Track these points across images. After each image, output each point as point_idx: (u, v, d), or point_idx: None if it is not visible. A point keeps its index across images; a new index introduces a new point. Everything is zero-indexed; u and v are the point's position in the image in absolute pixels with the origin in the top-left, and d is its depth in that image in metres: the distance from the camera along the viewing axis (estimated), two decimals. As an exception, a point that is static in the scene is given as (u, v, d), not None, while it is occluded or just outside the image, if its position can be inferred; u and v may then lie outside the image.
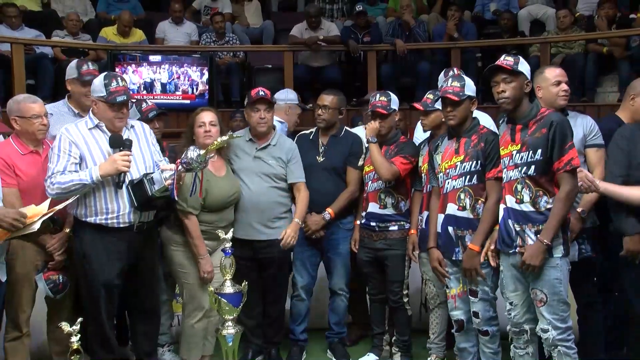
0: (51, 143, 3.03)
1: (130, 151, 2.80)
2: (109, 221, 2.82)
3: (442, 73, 3.43)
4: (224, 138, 2.80)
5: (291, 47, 6.35)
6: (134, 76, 5.85)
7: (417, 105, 3.23)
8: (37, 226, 2.34)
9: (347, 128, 3.55)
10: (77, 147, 2.78)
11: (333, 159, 3.40)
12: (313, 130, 3.54)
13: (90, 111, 2.90)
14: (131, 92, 3.06)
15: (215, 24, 6.53)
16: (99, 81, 2.84)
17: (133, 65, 5.89)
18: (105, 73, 2.94)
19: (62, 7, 6.89)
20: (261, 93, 3.25)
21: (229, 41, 6.56)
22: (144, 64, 5.93)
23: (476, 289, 2.82)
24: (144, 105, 3.38)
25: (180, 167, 2.78)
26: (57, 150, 2.77)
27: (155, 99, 5.77)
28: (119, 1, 7.01)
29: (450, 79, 2.88)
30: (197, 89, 5.99)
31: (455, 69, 3.46)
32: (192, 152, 2.74)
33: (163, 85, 5.96)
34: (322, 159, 3.40)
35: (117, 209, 2.82)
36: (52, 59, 5.92)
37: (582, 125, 2.97)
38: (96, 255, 2.82)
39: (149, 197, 2.79)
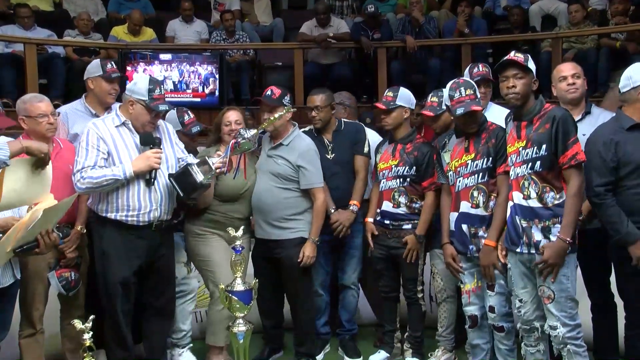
0: (62, 142, 3.06)
1: (161, 149, 2.87)
2: (129, 218, 2.85)
3: (467, 69, 3.35)
4: (277, 115, 2.90)
5: (301, 45, 6.35)
6: (144, 75, 5.88)
7: (426, 112, 3.21)
8: (39, 214, 2.26)
9: (345, 120, 3.52)
10: (104, 142, 2.83)
11: (343, 154, 3.39)
12: (311, 127, 3.49)
13: (118, 109, 2.94)
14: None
15: (225, 22, 6.55)
16: (143, 85, 2.87)
17: (144, 64, 5.92)
18: (150, 77, 3.00)
19: (73, 7, 6.94)
20: (267, 93, 3.22)
21: (239, 39, 6.57)
22: (155, 63, 5.96)
23: (493, 283, 2.82)
24: (185, 117, 3.32)
25: (229, 149, 2.86)
26: (85, 145, 2.82)
27: (166, 97, 5.79)
28: (130, 0, 7.05)
29: (462, 88, 2.81)
30: (207, 87, 6.01)
31: (480, 65, 3.34)
32: (247, 132, 2.85)
33: (174, 84, 5.98)
34: (331, 156, 3.39)
35: (138, 207, 2.85)
36: (64, 58, 5.97)
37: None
38: (114, 252, 2.86)
39: (197, 184, 2.82)
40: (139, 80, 2.93)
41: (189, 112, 3.38)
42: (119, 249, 2.86)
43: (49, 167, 2.42)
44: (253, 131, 2.86)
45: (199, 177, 2.82)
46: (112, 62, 3.41)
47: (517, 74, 2.62)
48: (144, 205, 2.86)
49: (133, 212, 2.85)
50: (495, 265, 2.78)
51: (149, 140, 2.87)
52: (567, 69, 2.98)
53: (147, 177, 2.84)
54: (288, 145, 3.23)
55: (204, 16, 7.20)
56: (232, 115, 3.20)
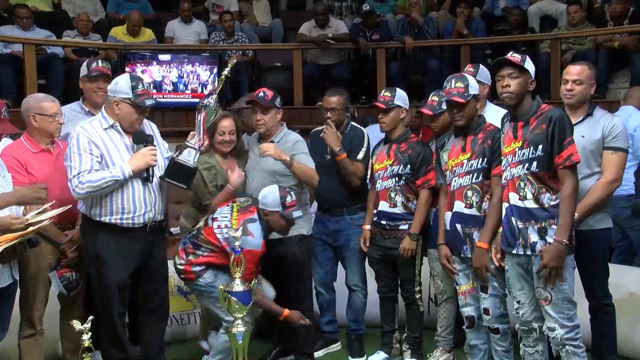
0: (62, 143, 3.07)
1: (155, 146, 2.86)
2: (124, 221, 2.83)
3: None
4: (227, 70, 3.01)
5: (300, 46, 6.35)
6: (143, 75, 5.87)
7: (425, 110, 3.22)
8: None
9: (353, 123, 3.56)
10: (96, 146, 2.79)
11: None
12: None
13: (104, 111, 2.90)
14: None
15: (224, 23, 6.55)
16: (125, 82, 2.84)
17: (143, 65, 5.92)
18: (130, 74, 2.97)
19: (72, 8, 6.93)
20: (260, 94, 3.23)
21: (238, 40, 6.57)
22: (154, 63, 5.96)
23: (486, 285, 2.82)
24: (288, 198, 3.01)
25: (201, 124, 2.90)
26: (77, 149, 2.76)
27: (165, 97, 5.81)
28: (129, 1, 7.05)
29: (453, 80, 2.85)
30: (206, 87, 6.01)
31: (467, 67, 3.34)
32: (210, 99, 2.91)
33: (173, 84, 5.98)
34: (329, 157, 3.40)
35: (134, 209, 2.83)
36: (63, 59, 5.96)
37: (603, 126, 2.88)
38: (110, 256, 2.84)
39: (192, 169, 2.87)
40: (120, 79, 2.88)
41: (292, 193, 3.02)
42: (114, 252, 2.84)
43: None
44: (214, 97, 2.92)
45: (191, 162, 2.86)
46: (101, 61, 3.40)
47: (512, 73, 2.62)
48: (139, 207, 2.83)
49: (128, 215, 2.82)
50: (487, 268, 2.78)
51: (142, 139, 2.86)
52: (571, 73, 2.91)
53: (145, 175, 2.82)
54: (279, 142, 3.25)
55: (202, 17, 7.21)
56: (226, 124, 3.20)
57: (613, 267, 3.08)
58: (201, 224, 3.02)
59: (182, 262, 2.99)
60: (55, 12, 6.90)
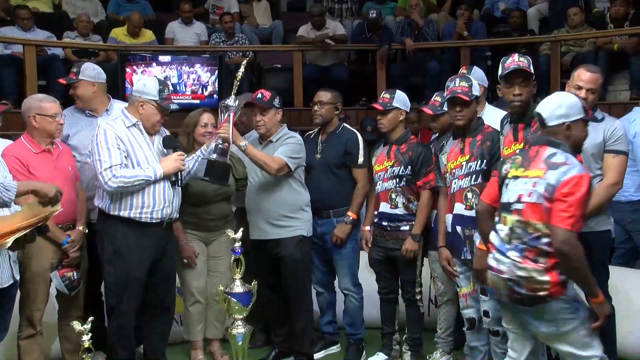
0: (61, 144, 3.08)
1: (183, 152, 2.96)
2: (143, 215, 2.87)
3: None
4: (241, 72, 3.12)
5: (300, 47, 6.36)
6: (143, 76, 5.88)
7: (426, 110, 3.23)
8: (8, 244, 2.27)
9: (346, 125, 3.55)
10: (122, 142, 2.86)
11: (329, 156, 3.40)
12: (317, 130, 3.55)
13: (125, 110, 2.95)
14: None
15: (224, 24, 6.56)
16: (153, 85, 2.91)
17: (143, 66, 5.91)
18: (158, 79, 3.04)
19: (73, 9, 6.93)
20: (258, 96, 3.26)
21: (238, 41, 6.58)
22: (154, 64, 5.95)
23: (487, 288, 2.81)
24: None
25: (231, 121, 2.95)
26: (106, 144, 2.82)
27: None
28: (129, 2, 7.05)
29: (457, 79, 2.88)
30: (206, 89, 6.01)
31: (472, 67, 3.35)
32: (230, 100, 3.00)
33: (173, 86, 5.97)
34: (319, 156, 3.41)
35: (153, 204, 2.87)
36: (63, 60, 5.96)
37: (604, 130, 2.86)
38: (128, 251, 2.87)
39: (229, 166, 2.99)
40: (148, 81, 2.96)
41: None
42: (132, 248, 2.87)
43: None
44: (232, 97, 3.00)
45: (226, 159, 2.95)
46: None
47: (522, 81, 2.63)
48: (158, 202, 2.88)
49: (147, 209, 2.87)
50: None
51: (172, 144, 2.96)
52: (586, 80, 2.85)
53: (173, 179, 2.91)
54: (277, 141, 3.27)
55: (203, 18, 7.21)
56: (207, 118, 3.26)
57: (613, 270, 3.08)
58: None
59: (537, 270, 2.18)
60: (56, 13, 6.90)
